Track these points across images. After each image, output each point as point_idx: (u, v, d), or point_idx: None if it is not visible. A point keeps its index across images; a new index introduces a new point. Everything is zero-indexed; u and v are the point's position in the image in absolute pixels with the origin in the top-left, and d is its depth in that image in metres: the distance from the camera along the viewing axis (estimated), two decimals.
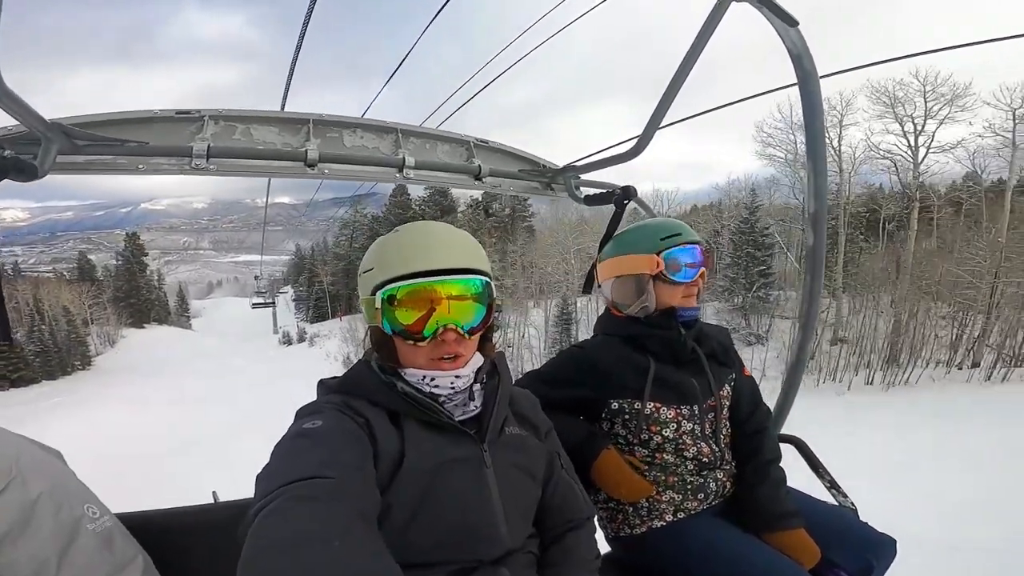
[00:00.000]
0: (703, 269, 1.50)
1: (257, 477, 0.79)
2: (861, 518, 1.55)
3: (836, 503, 1.62)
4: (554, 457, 1.14)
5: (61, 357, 35.27)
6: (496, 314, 1.06)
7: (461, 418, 1.00)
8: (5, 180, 0.96)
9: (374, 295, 0.95)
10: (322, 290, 50.87)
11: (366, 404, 0.95)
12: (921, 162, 23.87)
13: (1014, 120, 21.44)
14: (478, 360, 1.04)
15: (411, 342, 0.95)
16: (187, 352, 41.86)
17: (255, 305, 41.29)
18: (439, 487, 0.91)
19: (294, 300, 58.29)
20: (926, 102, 22.63)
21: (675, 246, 1.46)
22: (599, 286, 1.64)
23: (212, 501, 1.43)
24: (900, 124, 23.14)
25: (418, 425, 0.95)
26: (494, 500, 0.96)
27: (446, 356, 0.96)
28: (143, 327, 52.19)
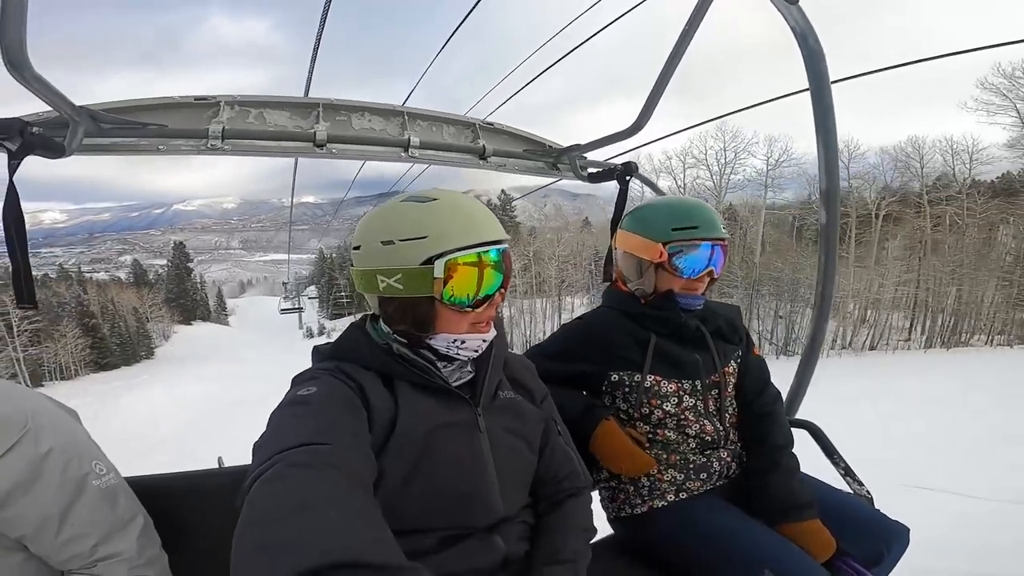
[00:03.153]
0: (711, 268, 1.42)
1: (254, 446, 0.79)
2: (875, 506, 1.49)
3: (850, 491, 1.57)
4: (550, 423, 1.14)
5: (133, 348, 45.40)
6: None
7: (456, 383, 1.01)
8: (34, 158, 1.03)
9: (429, 264, 0.91)
10: (339, 292, 59.95)
11: (359, 368, 0.95)
12: (724, 195, 34.27)
13: (767, 167, 32.39)
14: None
15: (468, 309, 0.95)
16: (229, 344, 52.56)
17: (284, 311, 44.10)
18: (432, 451, 0.91)
19: (313, 298, 67.63)
20: (726, 151, 33.19)
21: (686, 240, 1.38)
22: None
23: (217, 466, 1.48)
24: (708, 169, 34.20)
25: (411, 388, 0.95)
26: (488, 465, 0.96)
27: (486, 321, 1.00)
28: (190, 324, 64.36)
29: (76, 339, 38.94)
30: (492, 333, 1.03)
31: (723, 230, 1.42)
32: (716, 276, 1.44)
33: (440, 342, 0.98)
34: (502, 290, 0.99)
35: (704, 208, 1.43)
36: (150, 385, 30.72)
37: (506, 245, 0.99)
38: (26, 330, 35.99)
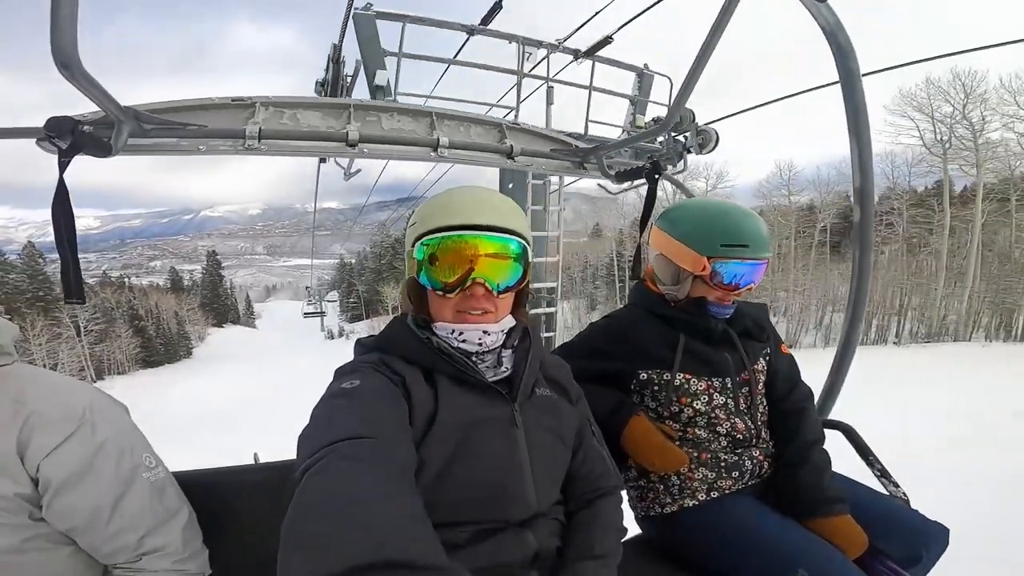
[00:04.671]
0: (751, 284, 1.38)
1: (299, 438, 0.80)
2: (912, 507, 1.44)
3: (887, 492, 1.53)
4: (585, 423, 1.14)
5: (175, 348, 50.87)
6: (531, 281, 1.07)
7: (493, 379, 1.01)
8: (82, 156, 1.06)
9: (413, 247, 0.98)
10: (358, 298, 67.55)
11: (402, 361, 0.96)
12: None
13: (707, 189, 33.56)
14: (509, 321, 1.04)
15: (441, 293, 0.97)
16: (258, 345, 58.70)
17: (307, 315, 46.10)
18: (469, 445, 0.91)
19: (332, 301, 73.89)
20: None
21: (733, 259, 1.33)
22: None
23: (253, 462, 1.50)
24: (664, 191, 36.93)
25: (451, 382, 0.96)
26: (523, 460, 0.96)
27: (473, 310, 0.98)
28: (222, 327, 71.51)
29: (129, 339, 44.78)
30: (499, 326, 1.02)
31: (769, 247, 1.37)
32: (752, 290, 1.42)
33: (441, 331, 1.00)
34: (480, 280, 0.96)
35: (754, 222, 1.37)
36: (195, 378, 37.36)
37: (505, 236, 0.97)
38: (92, 330, 41.24)
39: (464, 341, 0.99)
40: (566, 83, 2.83)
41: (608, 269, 41.45)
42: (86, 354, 39.17)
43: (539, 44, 2.62)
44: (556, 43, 2.64)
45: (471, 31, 2.48)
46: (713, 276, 1.35)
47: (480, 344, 1.00)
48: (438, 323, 1.00)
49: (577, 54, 2.77)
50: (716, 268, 1.34)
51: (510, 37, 2.53)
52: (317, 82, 2.37)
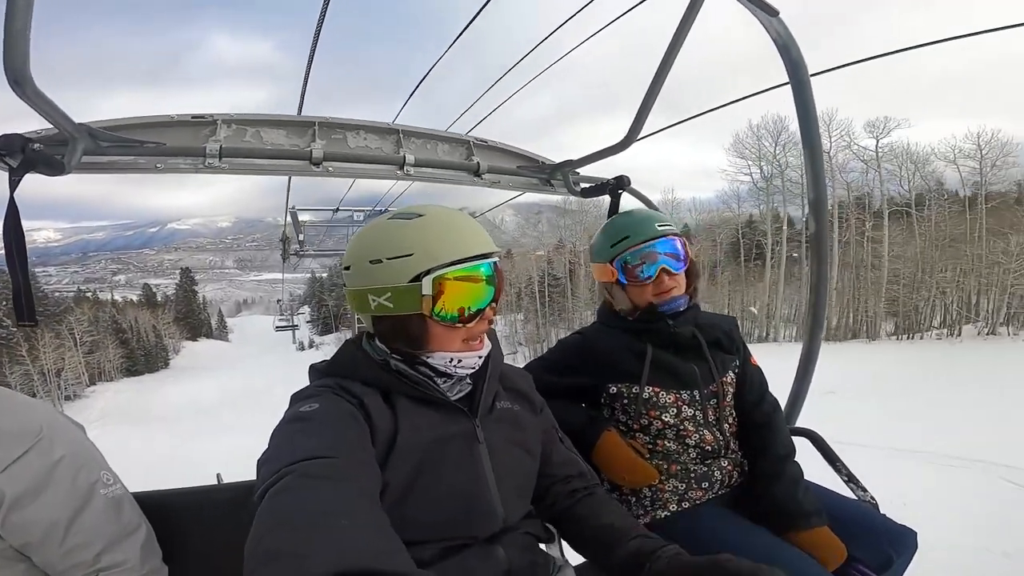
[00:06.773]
0: (663, 265, 1.42)
1: (259, 462, 0.79)
2: (881, 511, 1.48)
3: (855, 497, 1.56)
4: (551, 431, 1.16)
5: (154, 359, 57.05)
6: None
7: (455, 397, 1.01)
8: (32, 176, 1.04)
9: (417, 281, 0.91)
10: (328, 312, 73.97)
11: (358, 384, 0.95)
12: None
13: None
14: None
15: (459, 325, 0.95)
16: (231, 356, 65.69)
17: (279, 328, 46.38)
18: (432, 463, 0.92)
19: (301, 314, 77.47)
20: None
21: (625, 251, 1.43)
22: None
23: (216, 482, 1.47)
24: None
25: (410, 402, 0.95)
26: (487, 475, 0.97)
27: (476, 337, 0.99)
28: (197, 340, 76.66)
29: (114, 349, 50.80)
30: (487, 347, 1.03)
31: (659, 226, 1.42)
32: (678, 271, 1.44)
33: (438, 360, 0.98)
34: (493, 304, 0.99)
35: (634, 215, 1.49)
36: (176, 385, 43.40)
37: (496, 259, 0.99)
38: (86, 341, 46.58)
39: (462, 366, 0.99)
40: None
41: (548, 283, 45.06)
42: (82, 362, 44.80)
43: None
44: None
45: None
46: (625, 275, 1.45)
47: (474, 368, 1.01)
48: (436, 353, 0.98)
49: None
50: (619, 268, 1.45)
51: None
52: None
